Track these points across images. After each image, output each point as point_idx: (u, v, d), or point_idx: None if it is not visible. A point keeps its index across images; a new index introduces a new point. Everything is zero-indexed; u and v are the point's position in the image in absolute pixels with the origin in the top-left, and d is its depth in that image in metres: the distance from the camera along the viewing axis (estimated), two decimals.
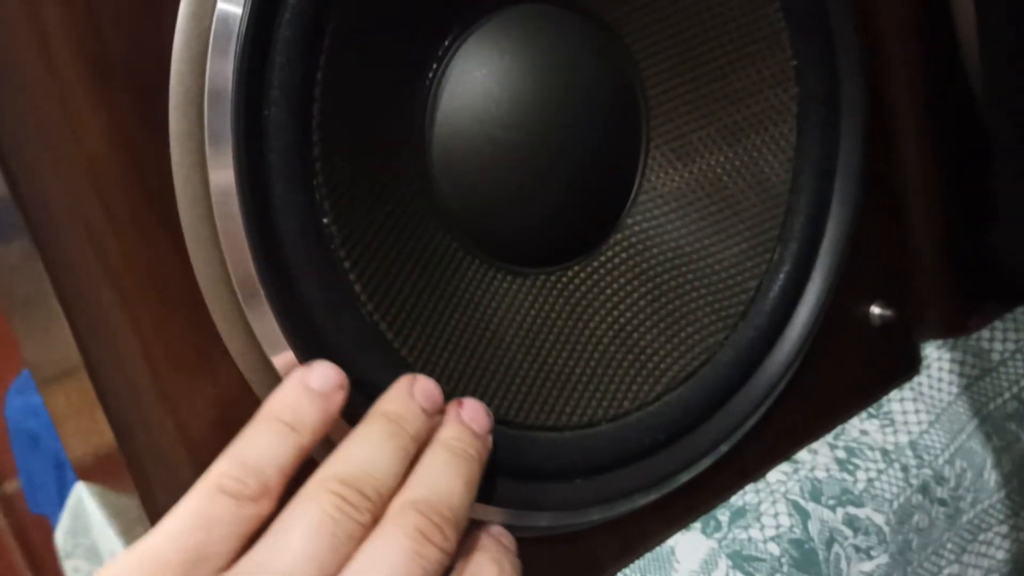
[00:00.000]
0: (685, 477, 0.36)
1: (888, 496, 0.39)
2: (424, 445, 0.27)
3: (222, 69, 0.25)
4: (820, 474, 0.39)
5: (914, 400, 0.43)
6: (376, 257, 0.29)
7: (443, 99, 0.32)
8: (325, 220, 0.27)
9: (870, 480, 0.39)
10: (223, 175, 0.25)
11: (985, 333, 0.46)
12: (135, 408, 0.26)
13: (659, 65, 0.36)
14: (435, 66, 0.32)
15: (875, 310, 0.42)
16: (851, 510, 0.38)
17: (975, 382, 0.45)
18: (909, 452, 0.41)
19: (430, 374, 0.30)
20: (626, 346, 0.36)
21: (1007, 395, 0.45)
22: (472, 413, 0.29)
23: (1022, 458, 0.45)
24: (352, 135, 0.29)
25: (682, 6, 0.35)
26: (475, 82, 0.32)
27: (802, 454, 0.40)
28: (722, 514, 0.38)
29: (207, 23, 0.24)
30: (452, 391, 0.31)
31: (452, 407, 0.29)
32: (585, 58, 0.35)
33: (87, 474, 0.44)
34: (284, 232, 0.26)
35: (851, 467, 0.40)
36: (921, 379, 0.44)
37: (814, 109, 0.37)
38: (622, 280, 0.36)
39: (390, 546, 0.24)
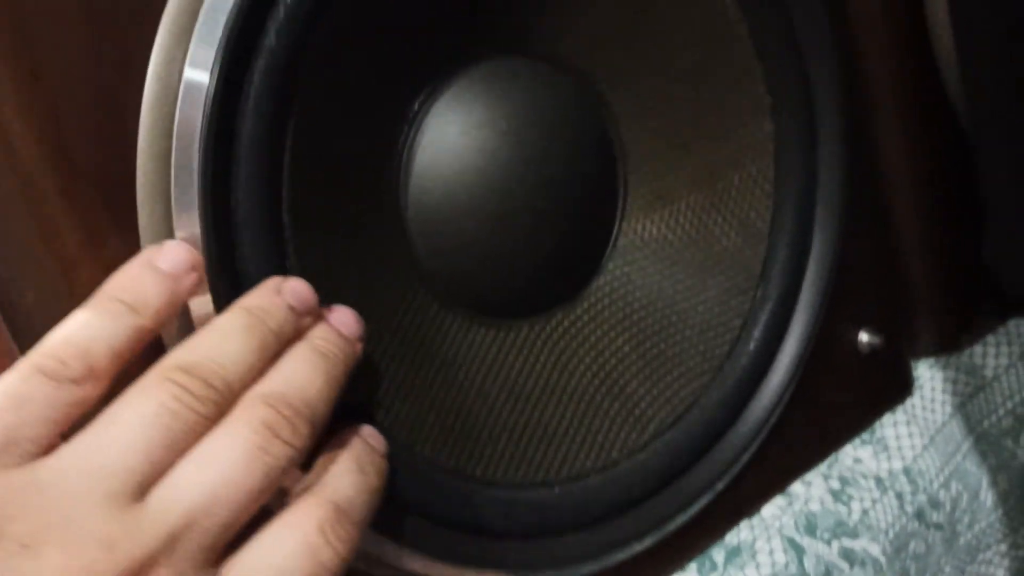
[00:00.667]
0: (680, 520, 0.36)
1: (883, 525, 0.39)
2: (288, 342, 0.25)
3: (187, 164, 0.24)
4: (815, 507, 0.39)
5: (907, 423, 0.42)
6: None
7: (416, 161, 0.32)
8: None
9: (865, 510, 0.39)
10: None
11: (978, 348, 0.46)
12: None
13: (633, 109, 0.36)
14: (407, 129, 0.32)
15: (863, 337, 0.41)
16: (846, 542, 0.38)
17: (969, 400, 0.45)
18: (903, 478, 0.41)
19: (418, 442, 0.30)
20: (612, 393, 0.35)
21: (1002, 411, 0.45)
22: (341, 317, 0.26)
23: (1019, 475, 0.44)
24: (325, 210, 0.29)
25: (653, 51, 0.35)
26: (448, 141, 0.32)
27: (796, 486, 0.40)
28: (717, 554, 0.38)
29: (169, 125, 0.24)
30: (437, 455, 0.31)
31: (321, 311, 0.26)
32: (557, 107, 0.34)
33: None
34: None
35: (845, 498, 0.40)
36: (914, 400, 0.44)
37: (791, 144, 0.37)
38: (605, 326, 0.36)
39: (232, 439, 0.22)
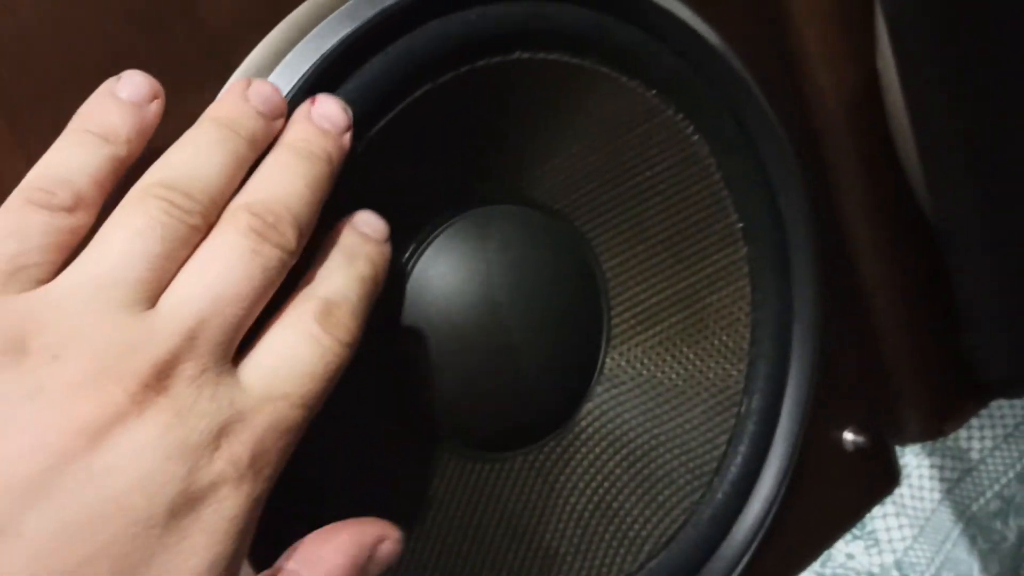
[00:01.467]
0: None
1: None
2: (262, 147, 0.25)
3: None
4: None
5: (897, 515, 0.44)
6: (345, 470, 0.31)
7: (407, 303, 0.33)
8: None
9: None
10: None
11: (963, 432, 0.47)
12: None
13: (612, 242, 0.38)
14: (399, 280, 0.33)
15: (848, 436, 0.43)
16: None
17: (956, 485, 0.46)
18: (896, 573, 0.42)
19: None
20: (607, 517, 0.37)
21: (989, 494, 0.46)
22: (323, 109, 0.26)
23: (1009, 557, 0.46)
24: None
25: (625, 188, 0.37)
26: (437, 288, 0.34)
27: None
28: None
29: None
30: None
31: (303, 106, 0.26)
32: (539, 247, 0.36)
33: None
34: None
35: None
36: (902, 490, 0.45)
37: (765, 265, 0.38)
38: (596, 450, 0.37)
39: (224, 245, 0.23)
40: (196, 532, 0.21)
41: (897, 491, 0.45)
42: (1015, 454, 0.48)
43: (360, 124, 0.28)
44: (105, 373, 0.21)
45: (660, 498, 0.37)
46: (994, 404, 0.49)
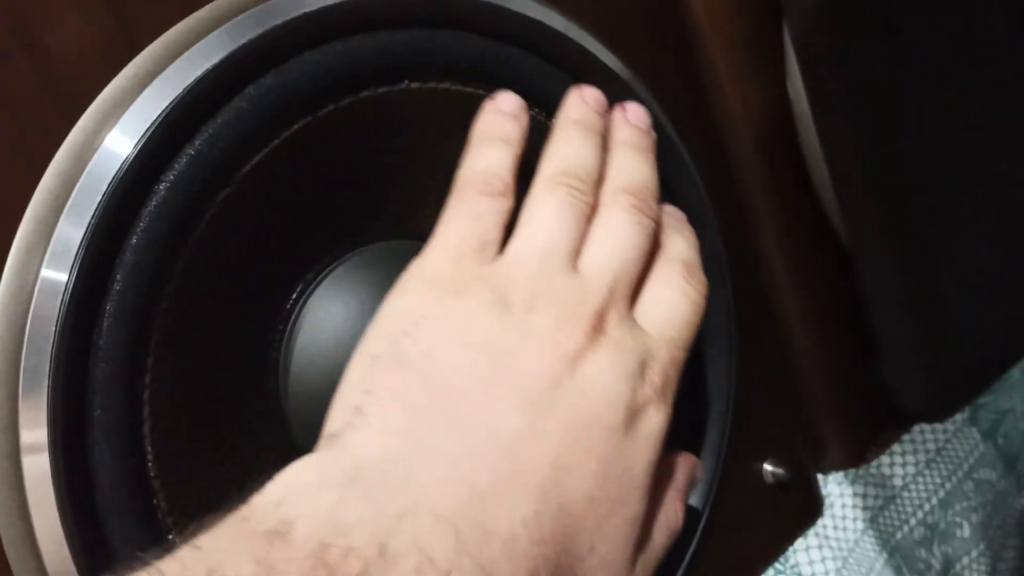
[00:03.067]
0: None
1: None
2: (607, 138, 0.32)
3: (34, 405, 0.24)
4: None
5: (820, 547, 0.43)
6: None
7: (295, 354, 0.31)
8: (171, 536, 0.26)
9: None
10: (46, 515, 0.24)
11: (885, 459, 0.47)
12: None
13: None
14: (282, 327, 0.31)
15: (767, 468, 0.42)
16: None
17: (880, 512, 0.45)
18: None
19: None
20: None
21: (913, 521, 0.46)
22: (635, 114, 0.33)
23: None
24: (195, 426, 0.28)
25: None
26: (327, 330, 0.32)
27: None
28: None
29: (14, 388, 0.24)
30: None
31: (617, 111, 0.33)
32: None
33: None
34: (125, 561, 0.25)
35: None
36: (825, 521, 0.44)
37: None
38: None
39: (618, 218, 0.30)
40: (639, 440, 0.27)
41: (820, 521, 0.45)
42: (938, 480, 0.47)
43: (230, 162, 0.27)
44: (567, 319, 0.27)
45: None
46: (916, 429, 0.48)
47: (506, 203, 0.29)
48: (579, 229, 0.29)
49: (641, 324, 0.29)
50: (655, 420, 0.28)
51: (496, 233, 0.29)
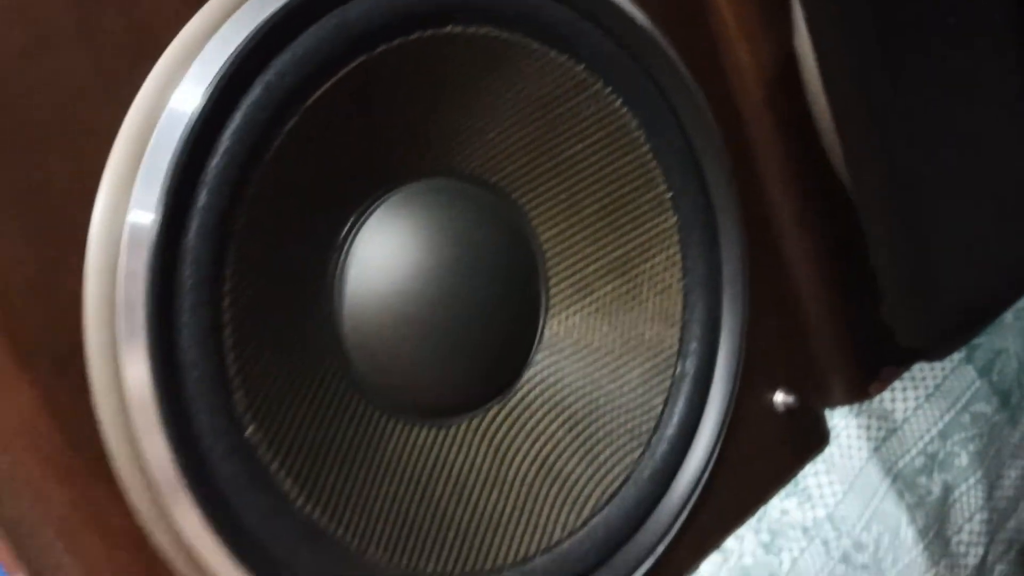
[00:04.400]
0: None
1: (813, 572, 0.42)
2: None
3: (134, 331, 0.27)
4: (748, 560, 0.42)
5: (827, 472, 0.46)
6: (303, 450, 0.32)
7: (348, 282, 0.34)
8: (247, 432, 0.29)
9: (794, 559, 0.42)
10: (144, 407, 0.27)
11: (887, 394, 0.50)
12: None
13: (547, 213, 0.39)
14: (337, 255, 0.34)
15: (778, 398, 0.45)
16: None
17: (883, 443, 0.48)
18: (828, 525, 0.44)
19: (371, 547, 0.32)
20: (550, 477, 0.38)
21: (914, 451, 0.49)
22: None
23: (935, 510, 0.48)
24: (265, 339, 0.31)
25: (557, 161, 0.38)
26: (376, 260, 0.35)
27: (730, 542, 0.43)
28: None
29: (111, 287, 0.27)
30: (391, 558, 0.33)
31: None
32: (476, 219, 0.37)
33: None
34: (208, 454, 0.28)
35: (776, 549, 0.43)
36: (832, 449, 0.47)
37: (693, 232, 0.40)
38: (539, 414, 0.39)
39: None
40: None
41: (827, 450, 0.48)
42: (937, 413, 0.50)
43: (296, 95, 0.29)
44: None
45: (601, 458, 0.39)
46: (916, 367, 0.51)
47: None
48: None
49: None
50: None
51: None
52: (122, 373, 0.27)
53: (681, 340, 0.40)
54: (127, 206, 0.28)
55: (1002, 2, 0.48)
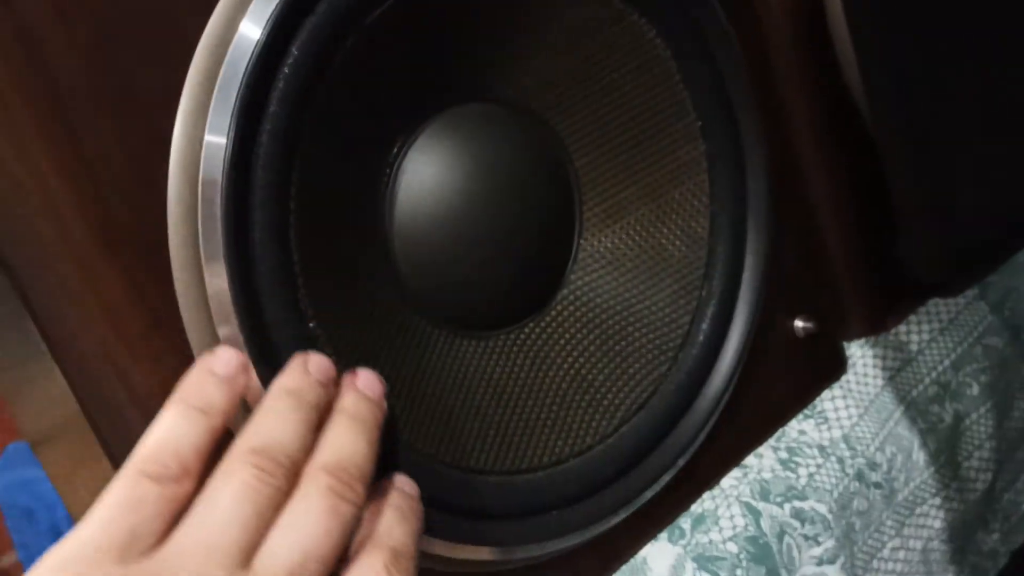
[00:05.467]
0: (650, 494, 0.41)
1: (828, 487, 0.45)
2: (325, 413, 0.30)
3: (211, 214, 0.29)
4: (767, 475, 0.44)
5: (844, 397, 0.48)
6: (357, 349, 0.34)
7: (398, 199, 0.37)
8: (311, 324, 0.32)
9: (811, 475, 0.45)
10: (220, 296, 0.30)
11: (902, 327, 0.52)
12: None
13: (582, 140, 0.41)
14: (388, 171, 0.37)
15: (799, 324, 0.47)
16: (797, 504, 0.44)
17: (898, 373, 0.50)
18: (843, 445, 0.46)
19: (419, 440, 0.35)
20: (583, 388, 0.40)
21: (927, 380, 0.51)
22: (366, 381, 0.31)
23: (946, 437, 0.50)
24: (325, 249, 0.33)
25: (593, 89, 0.40)
26: (423, 179, 0.37)
27: (750, 459, 0.45)
28: (684, 522, 0.43)
29: (194, 189, 0.29)
30: (437, 451, 0.35)
31: (348, 377, 0.31)
32: (516, 143, 0.39)
33: None
34: (276, 340, 0.31)
35: (793, 465, 0.45)
36: (848, 377, 0.49)
37: (722, 160, 0.42)
38: (572, 330, 0.41)
39: (310, 505, 0.27)
40: None
41: (844, 378, 0.50)
42: (950, 345, 0.52)
43: (356, 15, 0.32)
44: None
45: (631, 371, 0.41)
46: (931, 303, 0.53)
47: (179, 489, 0.26)
48: (262, 518, 0.26)
49: None
50: None
51: (155, 524, 0.25)
52: (201, 264, 0.30)
53: (708, 263, 0.43)
54: (207, 113, 0.30)
55: None
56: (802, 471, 0.44)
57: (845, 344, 0.50)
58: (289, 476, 0.27)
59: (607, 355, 0.41)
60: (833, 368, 0.49)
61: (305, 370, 0.30)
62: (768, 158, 0.43)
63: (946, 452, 0.50)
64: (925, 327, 0.52)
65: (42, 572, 0.24)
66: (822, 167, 0.49)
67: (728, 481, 0.44)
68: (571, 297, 0.41)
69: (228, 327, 0.30)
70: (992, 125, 0.51)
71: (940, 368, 0.51)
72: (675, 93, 0.41)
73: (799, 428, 0.47)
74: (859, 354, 0.50)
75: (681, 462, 0.42)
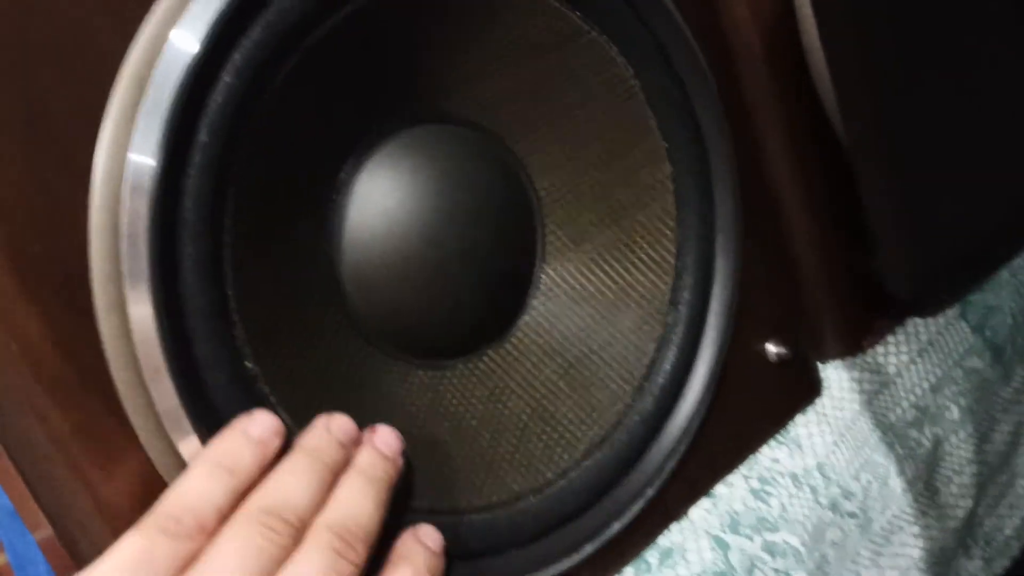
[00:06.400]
0: (617, 527, 0.40)
1: (801, 518, 0.43)
2: (341, 470, 0.31)
3: (137, 262, 0.28)
4: (737, 506, 0.43)
5: (818, 423, 0.47)
6: (302, 385, 0.33)
7: (347, 226, 0.35)
8: (247, 364, 0.30)
9: (783, 506, 0.43)
10: (147, 336, 0.28)
11: (880, 349, 0.50)
12: None
13: (543, 160, 0.40)
14: (335, 197, 0.35)
15: (771, 348, 0.45)
16: (768, 536, 0.42)
17: (875, 397, 0.49)
18: (817, 474, 0.45)
19: None
20: (544, 419, 0.39)
21: (905, 404, 0.50)
22: (383, 438, 0.32)
23: (924, 463, 0.49)
24: (266, 283, 0.32)
25: (554, 109, 0.39)
26: (374, 204, 0.36)
27: (720, 488, 0.44)
28: (652, 556, 0.41)
29: (115, 219, 0.27)
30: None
31: (367, 434, 0.32)
32: (475, 166, 0.38)
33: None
34: (209, 382, 0.29)
35: (765, 495, 0.44)
36: (824, 401, 0.48)
37: (688, 183, 0.41)
38: (534, 359, 0.40)
39: (310, 563, 0.27)
40: None
41: (819, 401, 0.48)
42: (929, 366, 0.51)
43: (296, 34, 0.30)
44: None
45: (594, 401, 0.40)
46: (910, 323, 0.52)
47: (192, 546, 0.26)
48: (265, 574, 0.27)
49: None
50: None
51: None
52: (126, 302, 0.28)
53: (674, 288, 0.41)
54: (129, 141, 0.28)
55: None
56: (774, 501, 0.43)
57: (821, 366, 0.49)
58: (296, 535, 0.28)
59: (569, 385, 0.40)
60: (807, 392, 0.48)
61: (327, 430, 0.31)
62: (736, 181, 0.41)
63: (924, 478, 0.49)
64: (904, 348, 0.50)
65: None
66: (795, 181, 0.48)
67: (697, 512, 0.43)
68: (532, 324, 0.40)
69: (156, 370, 0.28)
70: (968, 140, 0.49)
71: (919, 391, 0.50)
72: (639, 114, 0.40)
73: (772, 456, 0.45)
74: (835, 377, 0.48)
75: (649, 492, 0.41)
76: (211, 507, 0.27)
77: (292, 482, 0.29)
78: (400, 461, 0.32)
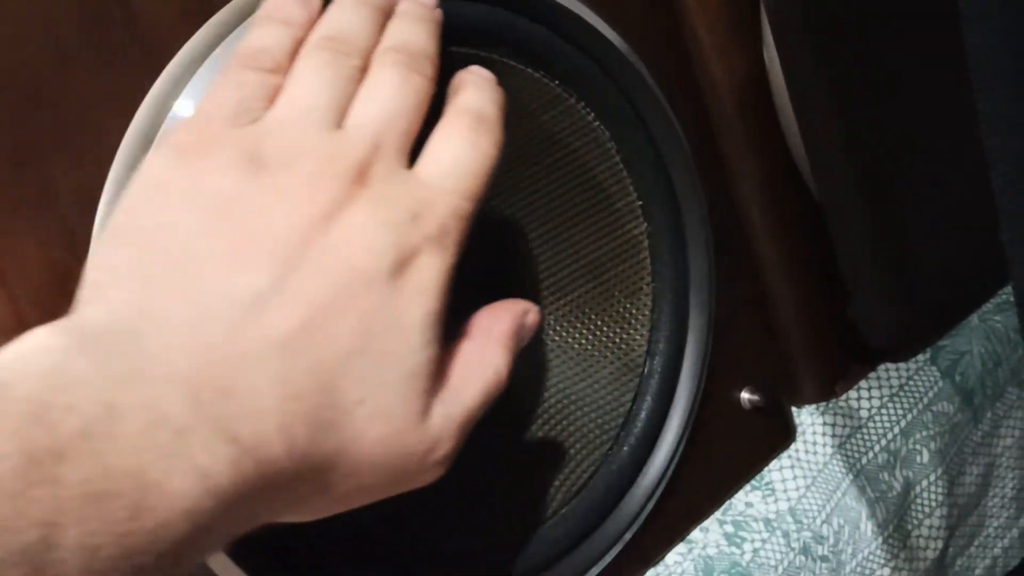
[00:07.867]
0: (592, 573, 0.41)
1: (773, 563, 0.45)
2: (389, 14, 0.32)
3: None
4: (711, 551, 0.44)
5: (792, 467, 0.48)
6: None
7: None
8: None
9: (756, 550, 0.45)
10: None
11: (853, 393, 0.52)
12: None
13: (525, 218, 0.41)
14: None
15: (744, 396, 0.47)
16: None
17: (847, 440, 0.50)
18: (789, 518, 0.46)
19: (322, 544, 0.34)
20: (521, 469, 0.40)
21: (877, 448, 0.51)
22: None
23: (896, 505, 0.50)
24: None
25: (537, 169, 0.40)
26: None
27: (695, 533, 0.45)
28: None
29: None
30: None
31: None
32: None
33: None
34: None
35: (738, 540, 0.45)
36: (798, 445, 0.49)
37: (663, 240, 0.42)
38: (512, 409, 0.41)
39: (384, 76, 0.30)
40: (410, 289, 0.27)
41: (793, 446, 0.50)
42: (900, 411, 0.52)
43: None
44: (322, 175, 0.27)
45: (571, 451, 0.41)
46: (881, 368, 0.53)
47: (273, 79, 0.29)
48: (344, 90, 0.29)
49: (419, 177, 0.29)
50: (430, 268, 0.27)
51: (257, 102, 0.28)
52: None
53: (650, 341, 0.43)
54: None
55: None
56: (747, 546, 0.44)
57: (795, 411, 0.51)
58: (360, 58, 0.30)
59: (547, 435, 0.41)
60: (782, 437, 0.50)
61: None
62: (710, 237, 0.43)
63: (895, 521, 0.50)
64: (875, 393, 0.52)
65: (174, 134, 0.28)
66: (769, 233, 0.49)
67: (672, 557, 0.44)
68: (512, 375, 0.41)
69: None
70: (940, 189, 0.51)
71: (890, 435, 0.51)
72: (615, 173, 0.41)
73: (746, 500, 0.47)
74: (808, 421, 0.50)
75: (626, 537, 0.42)
76: (280, 49, 0.29)
77: (346, 18, 0.31)
78: (439, 12, 0.33)
